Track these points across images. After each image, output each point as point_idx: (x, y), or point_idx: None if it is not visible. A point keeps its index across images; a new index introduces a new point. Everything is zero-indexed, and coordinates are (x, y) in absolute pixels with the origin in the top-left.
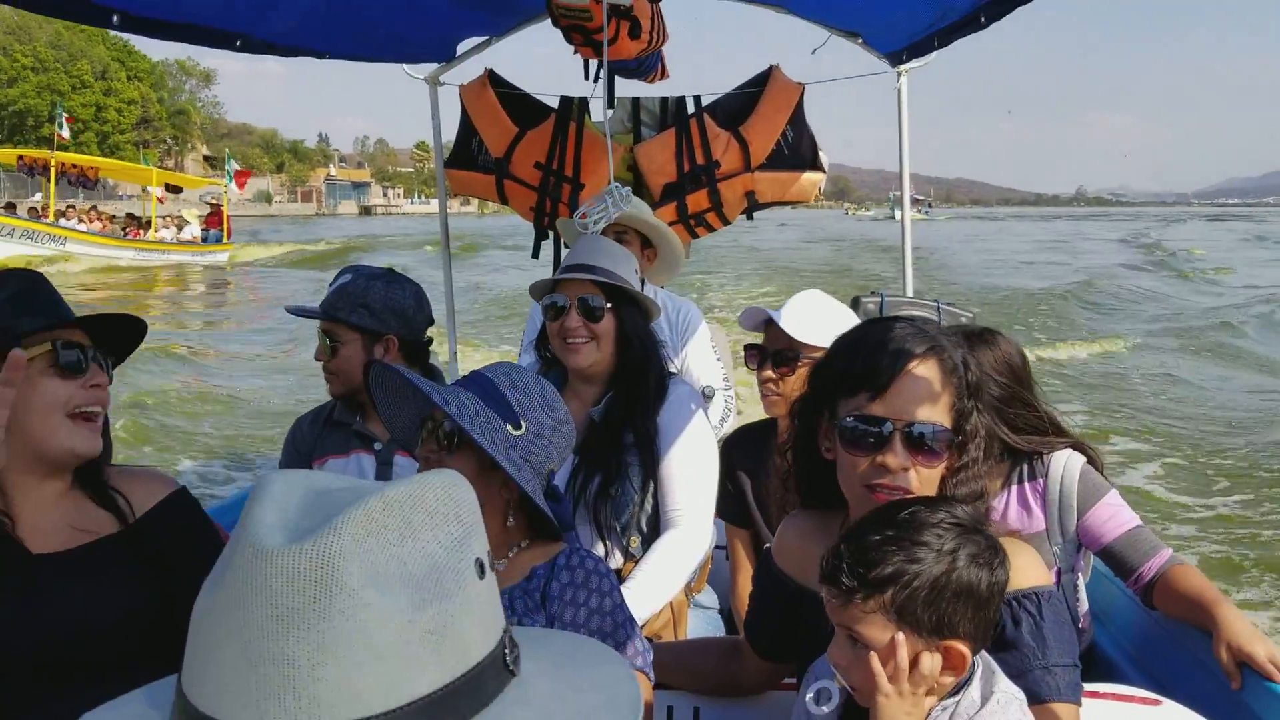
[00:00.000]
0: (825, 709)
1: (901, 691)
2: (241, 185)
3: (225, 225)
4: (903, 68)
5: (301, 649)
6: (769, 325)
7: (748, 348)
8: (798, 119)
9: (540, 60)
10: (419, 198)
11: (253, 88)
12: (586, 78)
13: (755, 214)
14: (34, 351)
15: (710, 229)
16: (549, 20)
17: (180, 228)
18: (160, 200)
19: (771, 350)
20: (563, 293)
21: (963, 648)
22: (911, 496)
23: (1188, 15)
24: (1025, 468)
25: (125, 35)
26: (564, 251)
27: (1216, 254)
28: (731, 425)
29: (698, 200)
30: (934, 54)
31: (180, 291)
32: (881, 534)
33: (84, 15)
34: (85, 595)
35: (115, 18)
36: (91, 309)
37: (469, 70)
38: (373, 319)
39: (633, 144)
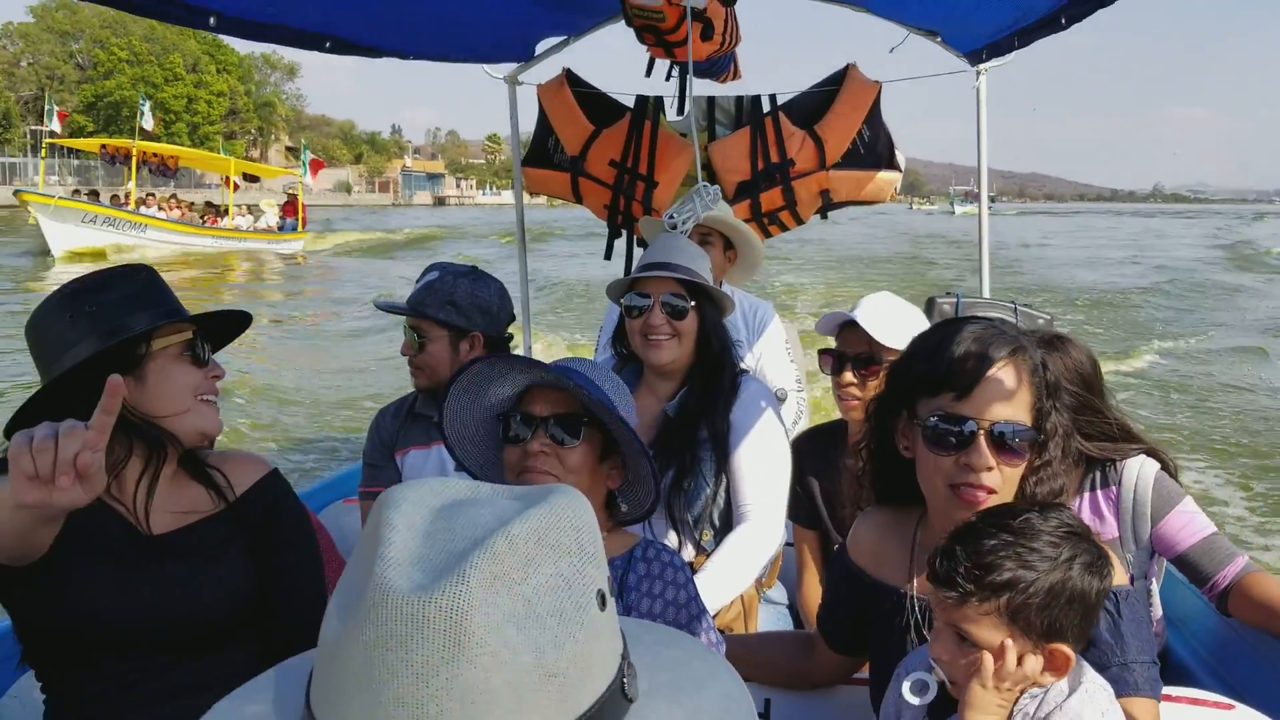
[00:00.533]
0: (921, 701)
1: (1000, 688)
2: (315, 175)
3: (300, 214)
4: (982, 66)
5: (429, 695)
6: (844, 329)
7: (823, 352)
8: (874, 118)
9: (617, 59)
10: (490, 189)
11: (328, 80)
12: (659, 77)
13: (829, 213)
14: (168, 342)
15: (784, 228)
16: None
17: (257, 217)
18: (237, 189)
19: (851, 354)
20: (646, 290)
21: (1068, 650)
22: (1021, 503)
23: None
24: (1098, 475)
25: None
26: (636, 250)
27: None
28: (804, 426)
29: (772, 198)
30: (1013, 54)
31: (255, 281)
32: (998, 539)
33: (181, 17)
34: (189, 574)
35: (211, 19)
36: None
37: (546, 70)
38: (460, 316)
39: (707, 142)
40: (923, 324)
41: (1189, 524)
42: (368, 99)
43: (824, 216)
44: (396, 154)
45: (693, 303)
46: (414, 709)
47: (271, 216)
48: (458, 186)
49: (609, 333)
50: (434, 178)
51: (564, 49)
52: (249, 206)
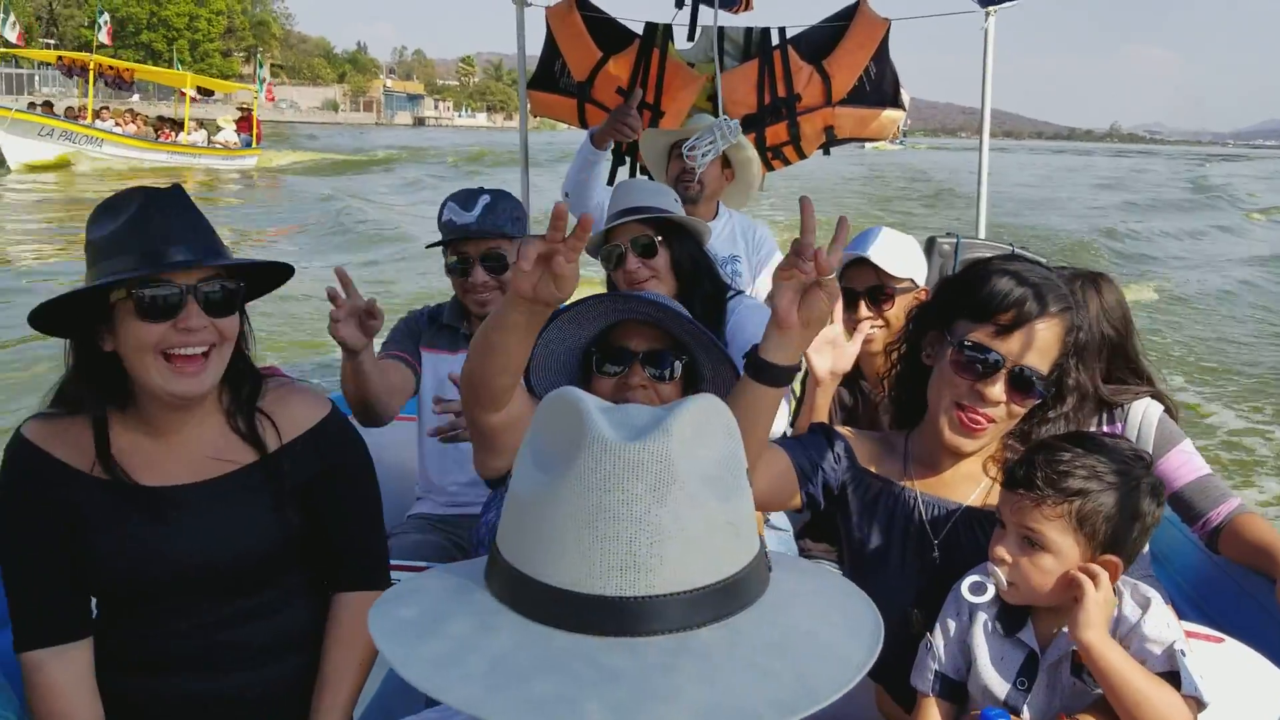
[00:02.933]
0: (979, 599)
1: (1104, 594)
2: (271, 98)
3: (255, 131)
4: (992, 8)
5: (639, 530)
6: (850, 267)
7: None
8: (882, 55)
9: None
10: (466, 111)
11: None
12: (667, 5)
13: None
14: (116, 297)
15: (787, 162)
16: None
17: (212, 132)
18: (194, 103)
19: (864, 289)
20: (617, 240)
21: (1118, 561)
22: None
23: None
24: (1104, 414)
25: None
26: (639, 175)
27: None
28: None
29: (777, 133)
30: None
31: (209, 195)
32: (1073, 452)
33: None
34: (215, 525)
35: None
36: None
37: None
38: (523, 229)
39: (715, 73)
40: (920, 254)
41: (1186, 463)
42: (330, 14)
43: (826, 152)
44: (375, 74)
45: (659, 238)
46: (626, 544)
47: (229, 132)
48: (435, 108)
49: None
50: (414, 98)
51: None
52: (201, 122)
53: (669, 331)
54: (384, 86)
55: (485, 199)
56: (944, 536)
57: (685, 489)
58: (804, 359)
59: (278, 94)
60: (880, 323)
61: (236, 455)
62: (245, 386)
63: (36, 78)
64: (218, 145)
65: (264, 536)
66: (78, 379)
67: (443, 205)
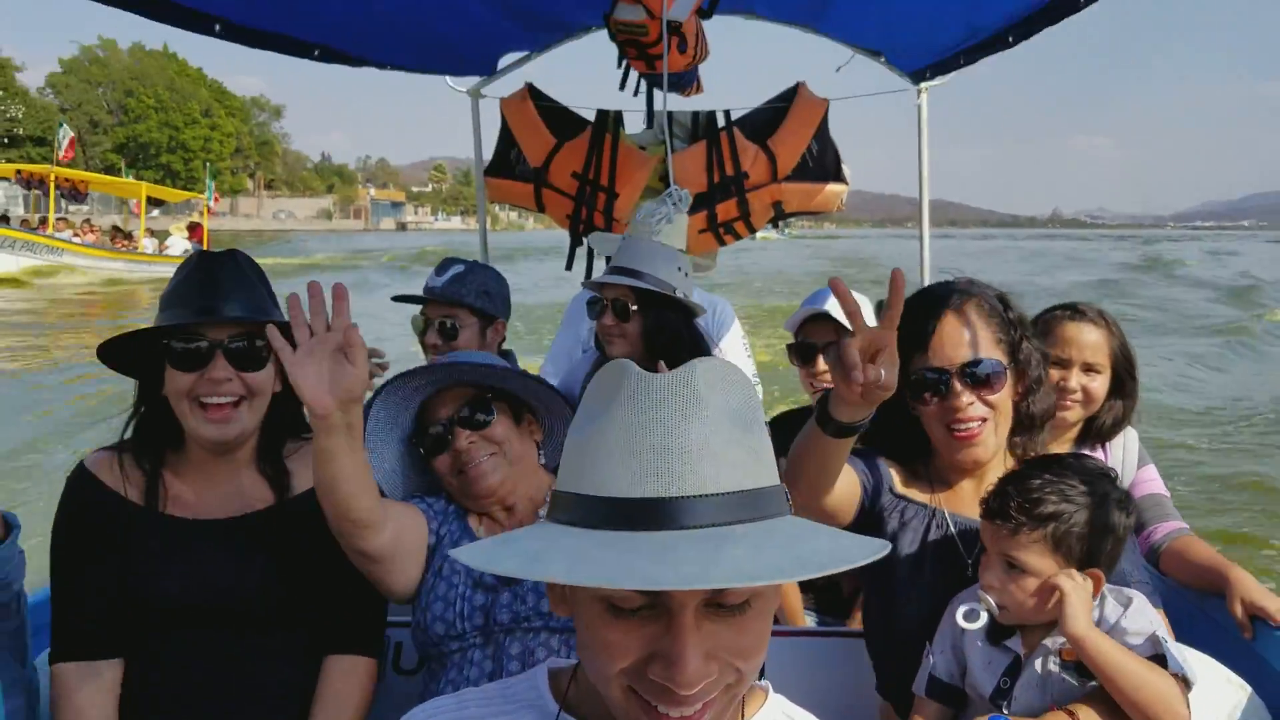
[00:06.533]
0: (974, 626)
1: (1080, 587)
2: (217, 200)
3: (205, 239)
4: (924, 85)
5: (673, 443)
6: (808, 324)
7: (791, 347)
8: (822, 133)
9: (577, 75)
10: (442, 215)
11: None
12: (623, 89)
13: (779, 222)
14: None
15: (737, 236)
16: (587, 37)
17: (162, 239)
18: (144, 213)
19: (822, 344)
20: (601, 293)
21: (1100, 574)
22: (1052, 454)
23: (1154, 41)
24: (1096, 444)
25: (218, 76)
26: (595, 260)
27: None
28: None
29: (727, 209)
30: (954, 72)
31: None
32: (1043, 478)
33: (190, 23)
34: (225, 560)
35: (217, 25)
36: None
37: (507, 85)
38: (491, 304)
39: (665, 155)
40: (872, 313)
41: (1150, 480)
42: (285, 127)
43: (775, 225)
44: (356, 183)
45: (635, 307)
46: (660, 454)
47: (178, 239)
48: (415, 213)
49: (575, 325)
50: (396, 205)
51: (525, 64)
52: (153, 231)
53: (470, 383)
54: (369, 195)
55: (458, 268)
56: (976, 555)
57: (709, 412)
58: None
59: (276, 206)
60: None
61: (260, 497)
62: (278, 436)
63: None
64: (176, 254)
65: (268, 575)
66: (139, 417)
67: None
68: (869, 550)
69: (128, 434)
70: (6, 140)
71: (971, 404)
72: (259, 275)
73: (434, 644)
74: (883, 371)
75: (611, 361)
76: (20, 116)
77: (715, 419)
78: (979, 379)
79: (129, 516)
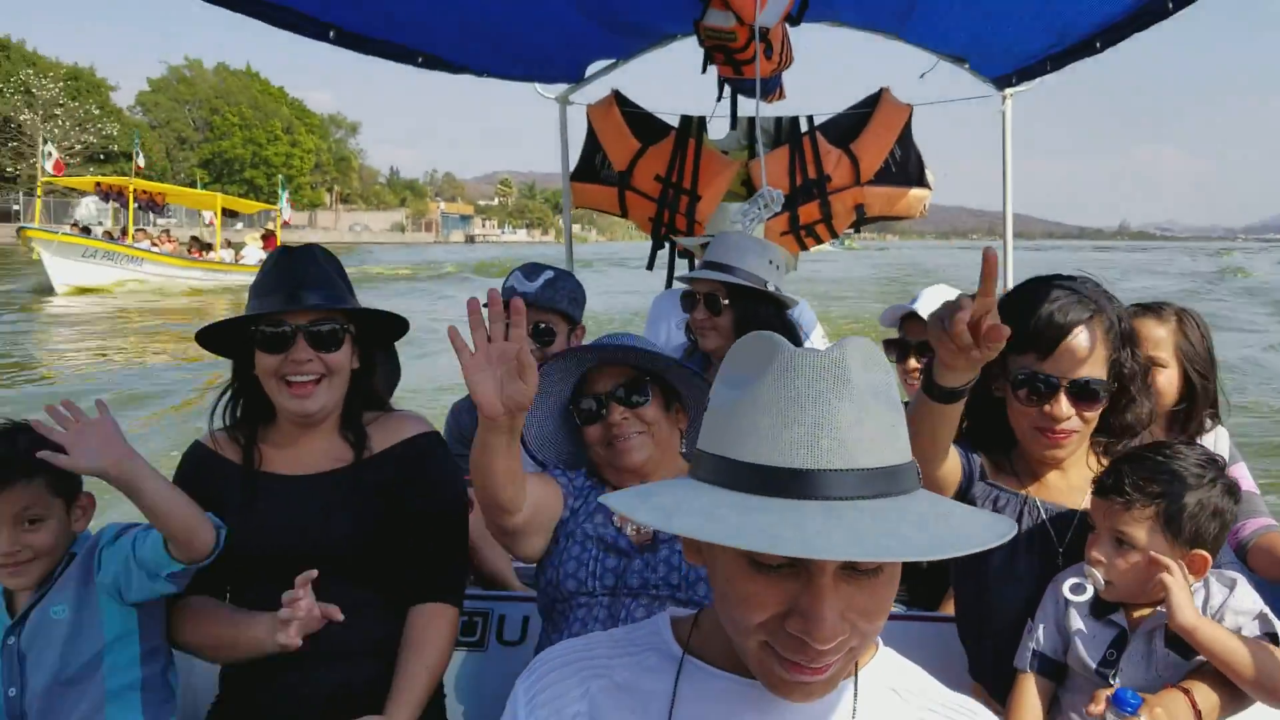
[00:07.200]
0: (1080, 599)
1: (1182, 579)
2: (290, 210)
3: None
4: (1008, 91)
5: (824, 417)
6: (906, 320)
7: (887, 343)
8: (905, 138)
9: (660, 82)
10: (508, 228)
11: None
12: (698, 98)
13: (860, 227)
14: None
15: (819, 240)
16: (673, 44)
17: (238, 249)
18: (212, 223)
19: (914, 342)
20: (694, 287)
21: (1206, 556)
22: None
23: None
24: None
25: (297, 91)
26: (678, 261)
27: None
28: None
29: (809, 212)
30: (1040, 78)
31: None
32: (1156, 459)
33: (307, 29)
34: (313, 509)
35: (331, 32)
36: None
37: (592, 91)
38: (577, 310)
39: (747, 160)
40: None
41: (1242, 479)
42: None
43: (857, 230)
44: (427, 197)
45: (727, 301)
46: (810, 427)
47: (253, 249)
48: (482, 225)
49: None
50: (465, 218)
51: (612, 71)
52: (229, 241)
53: (631, 365)
54: (440, 209)
55: (549, 274)
56: (1067, 543)
57: (858, 390)
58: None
59: (351, 219)
60: None
61: (341, 457)
62: (357, 407)
63: (75, 205)
64: (244, 263)
65: (352, 525)
66: (235, 393)
67: (508, 275)
68: (1000, 530)
69: (222, 404)
70: (102, 156)
71: (1070, 417)
72: (336, 266)
73: (562, 599)
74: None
75: (754, 334)
76: (115, 134)
77: (862, 397)
78: (1084, 396)
79: (229, 474)
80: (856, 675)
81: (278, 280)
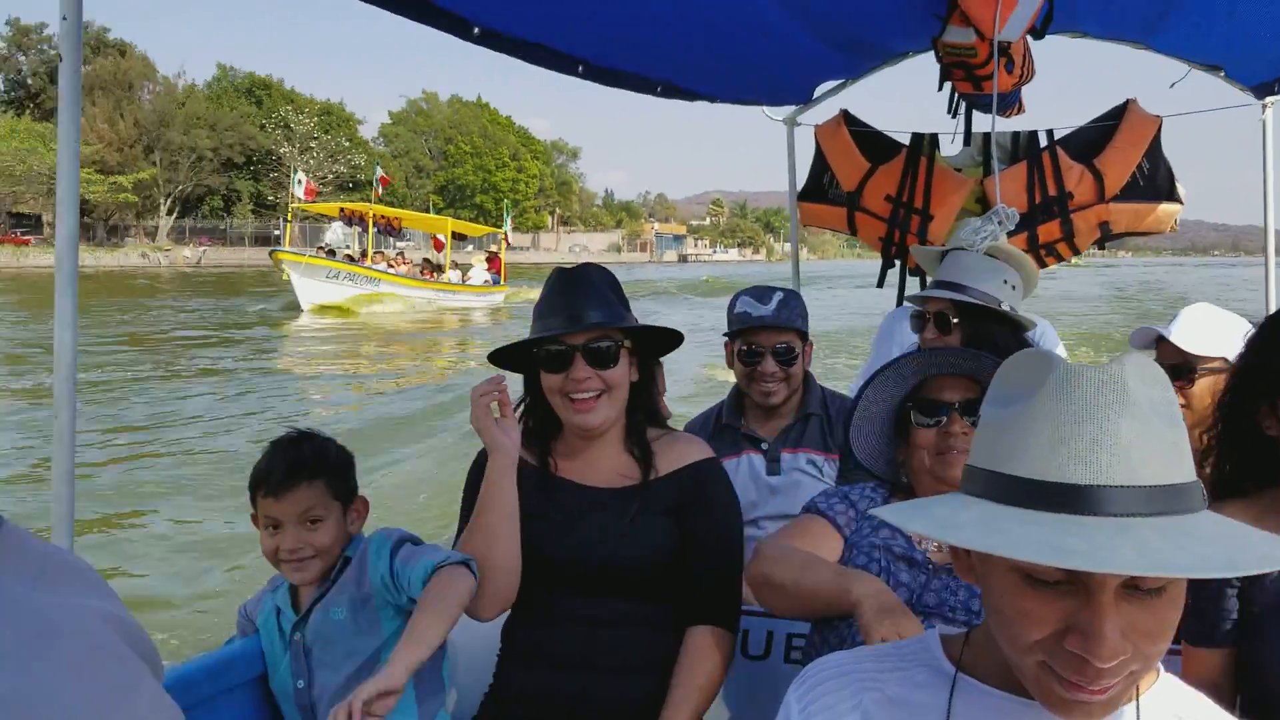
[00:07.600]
0: None
1: None
2: (512, 232)
3: (502, 270)
4: (1269, 100)
5: (1103, 434)
6: (1160, 342)
7: None
8: (1154, 151)
9: (886, 100)
10: (720, 247)
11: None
12: (952, 114)
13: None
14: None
15: (1060, 258)
16: (902, 63)
17: (465, 270)
18: (438, 247)
19: (1166, 365)
20: (924, 306)
21: None
22: None
23: None
24: None
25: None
26: (908, 279)
27: None
28: None
29: (1049, 230)
30: None
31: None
32: None
33: (558, 64)
34: (605, 524)
35: (580, 67)
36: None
37: (819, 113)
38: (807, 327)
39: (982, 177)
40: (1237, 331)
41: None
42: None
43: (1101, 247)
44: (641, 218)
45: (956, 320)
46: (1089, 443)
47: (480, 271)
48: (695, 245)
49: (892, 339)
50: (678, 238)
51: (840, 91)
52: (457, 263)
53: (978, 380)
54: (654, 229)
55: (780, 295)
56: None
57: (1139, 407)
58: None
59: (571, 240)
60: (1181, 401)
61: (629, 474)
62: (640, 418)
63: (324, 230)
64: (471, 283)
65: (638, 543)
66: (527, 406)
67: (734, 299)
68: (1270, 561)
69: (518, 416)
70: (351, 185)
71: None
72: (610, 282)
73: None
74: None
75: (1026, 351)
76: (362, 164)
77: (1142, 412)
78: None
79: (527, 475)
80: (1138, 700)
81: (555, 303)
